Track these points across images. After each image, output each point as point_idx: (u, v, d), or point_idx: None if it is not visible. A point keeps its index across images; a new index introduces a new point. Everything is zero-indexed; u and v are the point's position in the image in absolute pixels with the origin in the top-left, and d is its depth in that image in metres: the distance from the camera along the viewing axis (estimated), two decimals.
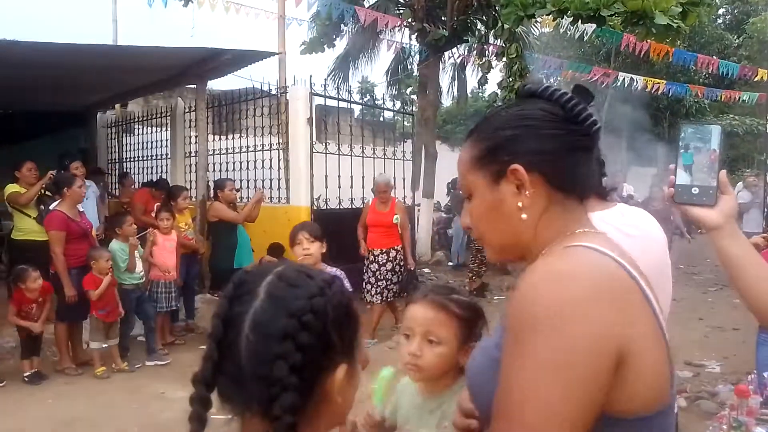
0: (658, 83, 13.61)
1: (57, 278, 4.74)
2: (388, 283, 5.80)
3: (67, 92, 8.26)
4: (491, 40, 9.76)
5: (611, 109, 19.71)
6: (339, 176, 6.91)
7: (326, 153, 6.80)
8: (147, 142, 9.13)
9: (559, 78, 14.19)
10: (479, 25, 10.65)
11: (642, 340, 0.76)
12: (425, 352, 1.40)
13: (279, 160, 6.90)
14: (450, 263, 9.77)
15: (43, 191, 5.64)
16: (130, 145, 9.76)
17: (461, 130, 18.51)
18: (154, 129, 9.01)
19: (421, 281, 8.42)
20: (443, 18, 10.94)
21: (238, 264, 5.80)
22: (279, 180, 6.94)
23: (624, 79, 13.05)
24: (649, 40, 9.15)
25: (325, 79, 12.55)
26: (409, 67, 16.17)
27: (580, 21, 7.19)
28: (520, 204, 0.88)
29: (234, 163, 7.42)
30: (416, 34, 10.68)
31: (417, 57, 12.99)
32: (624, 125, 20.18)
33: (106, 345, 4.84)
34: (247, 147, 7.19)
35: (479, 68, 11.78)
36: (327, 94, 7.05)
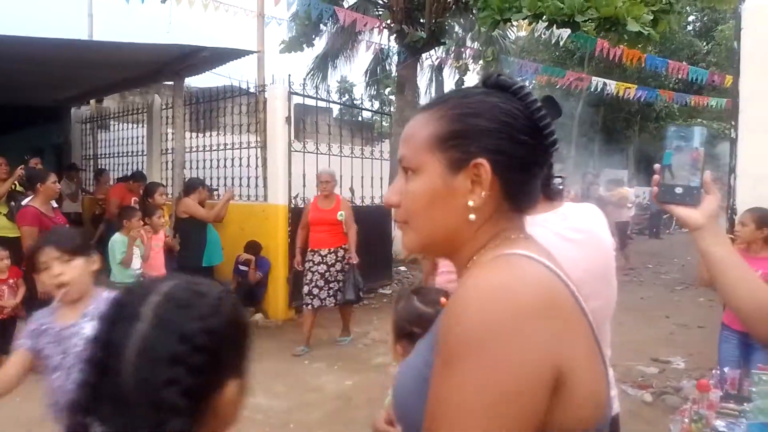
0: (630, 88, 13.91)
1: (29, 275, 4.67)
2: (340, 285, 5.43)
3: (41, 87, 8.12)
4: (468, 43, 9.88)
5: (584, 113, 20.08)
6: (317, 175, 6.94)
7: (304, 152, 6.82)
8: (123, 139, 9.02)
9: (533, 81, 14.40)
10: (457, 28, 10.77)
11: (579, 357, 0.71)
12: None
13: (257, 159, 6.90)
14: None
15: (14, 187, 5.56)
16: (106, 141, 9.63)
17: None
18: (130, 125, 8.91)
19: (398, 280, 8.50)
20: (422, 20, 11.04)
21: (208, 263, 5.75)
22: (257, 178, 6.94)
23: (597, 83, 13.31)
24: (621, 46, 9.36)
25: (304, 79, 12.55)
26: (387, 67, 16.24)
27: (555, 26, 7.34)
28: (471, 203, 0.81)
29: (211, 160, 7.39)
30: (395, 35, 10.76)
31: (395, 58, 13.05)
32: (596, 128, 20.56)
33: None
34: (225, 145, 7.17)
35: (456, 70, 11.90)
36: (306, 93, 7.07)
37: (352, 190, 7.37)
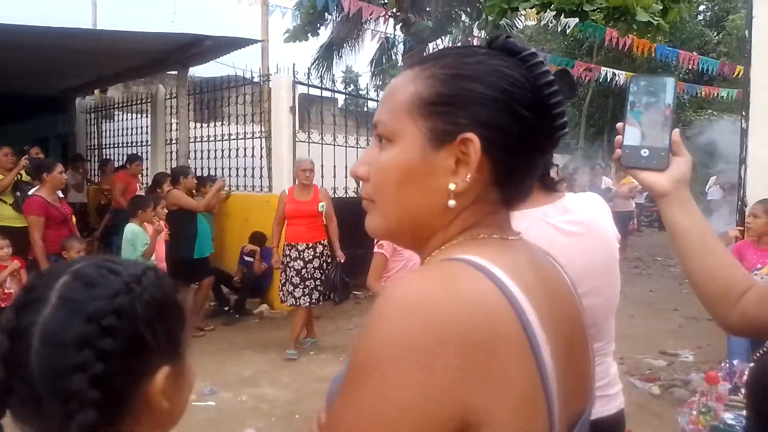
0: None
1: (35, 265, 4.68)
2: (317, 282, 4.99)
3: (45, 76, 8.12)
4: (475, 32, 9.78)
5: (593, 103, 19.92)
6: (322, 165, 6.91)
7: (309, 142, 6.78)
8: (127, 129, 9.02)
9: None
10: (463, 17, 10.66)
11: (503, 403, 0.57)
12: None
13: (261, 149, 6.87)
14: None
15: (19, 177, 5.56)
16: (110, 131, 9.62)
17: None
18: (134, 115, 8.90)
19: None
20: (428, 9, 10.94)
21: (199, 254, 5.72)
22: (261, 168, 6.91)
23: (606, 73, 13.18)
24: (631, 36, 9.25)
25: (309, 68, 12.49)
26: (393, 57, 16.15)
27: (563, 15, 7.25)
28: (452, 186, 0.66)
29: (215, 151, 7.37)
30: (400, 24, 10.67)
31: (401, 47, 12.97)
32: (605, 119, 20.42)
33: None
34: (229, 135, 7.14)
35: None
36: (310, 83, 7.02)
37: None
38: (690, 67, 13.72)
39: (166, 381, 0.68)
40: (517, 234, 0.73)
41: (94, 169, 9.54)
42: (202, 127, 7.59)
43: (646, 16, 7.24)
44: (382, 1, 11.98)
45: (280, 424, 3.70)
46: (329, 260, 5.07)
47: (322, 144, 6.92)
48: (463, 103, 0.66)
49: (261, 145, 6.88)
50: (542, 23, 8.01)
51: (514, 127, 0.66)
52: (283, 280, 5.05)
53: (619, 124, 0.99)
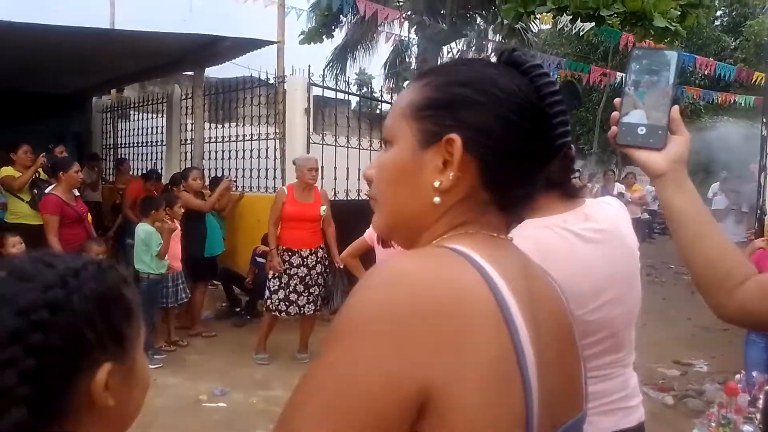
0: None
1: None
2: (321, 289, 4.80)
3: (62, 75, 8.21)
4: (490, 35, 9.76)
5: (607, 109, 19.76)
6: (335, 167, 6.92)
7: (323, 144, 6.79)
8: (143, 128, 9.10)
9: (556, 76, 14.20)
10: (479, 20, 10.65)
11: (469, 377, 0.58)
12: None
13: (275, 150, 6.89)
14: None
15: (37, 175, 5.62)
16: (126, 130, 9.71)
17: None
18: (150, 115, 8.97)
19: None
20: (443, 12, 10.94)
21: (209, 253, 5.77)
22: (275, 170, 6.93)
23: (622, 78, 13.08)
24: (647, 41, 9.18)
25: (324, 70, 12.53)
26: (407, 59, 16.16)
27: (579, 19, 7.21)
28: (437, 184, 0.70)
29: (230, 151, 7.40)
30: (415, 27, 10.67)
31: (415, 50, 12.97)
32: None
33: None
34: (244, 136, 7.18)
35: None
36: (325, 85, 7.03)
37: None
38: (706, 73, 13.59)
39: (111, 378, 0.66)
40: (509, 237, 0.75)
41: (110, 168, 9.63)
42: (216, 128, 7.63)
43: (664, 21, 7.18)
44: (398, 3, 12.00)
45: None
46: (326, 266, 4.85)
47: (336, 146, 6.93)
48: (451, 106, 0.70)
49: (275, 147, 6.90)
50: (558, 27, 7.96)
51: (503, 131, 0.69)
52: (283, 290, 4.68)
53: (617, 100, 0.96)
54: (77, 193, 5.13)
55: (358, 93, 7.70)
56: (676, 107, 0.94)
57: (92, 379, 0.65)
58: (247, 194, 7.09)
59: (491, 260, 0.65)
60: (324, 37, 11.79)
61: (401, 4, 11.83)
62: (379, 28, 13.14)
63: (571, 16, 7.17)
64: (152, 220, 4.88)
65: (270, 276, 4.74)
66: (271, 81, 6.97)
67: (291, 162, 6.70)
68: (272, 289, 4.72)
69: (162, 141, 8.75)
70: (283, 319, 4.86)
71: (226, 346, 5.23)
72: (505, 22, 7.83)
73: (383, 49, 15.82)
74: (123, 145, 9.74)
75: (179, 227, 5.17)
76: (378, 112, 8.01)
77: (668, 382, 4.63)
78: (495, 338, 0.60)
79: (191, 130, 7.76)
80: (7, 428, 0.59)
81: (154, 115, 8.91)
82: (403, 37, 13.51)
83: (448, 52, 13.27)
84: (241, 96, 7.36)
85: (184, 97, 8.28)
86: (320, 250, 4.84)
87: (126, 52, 6.73)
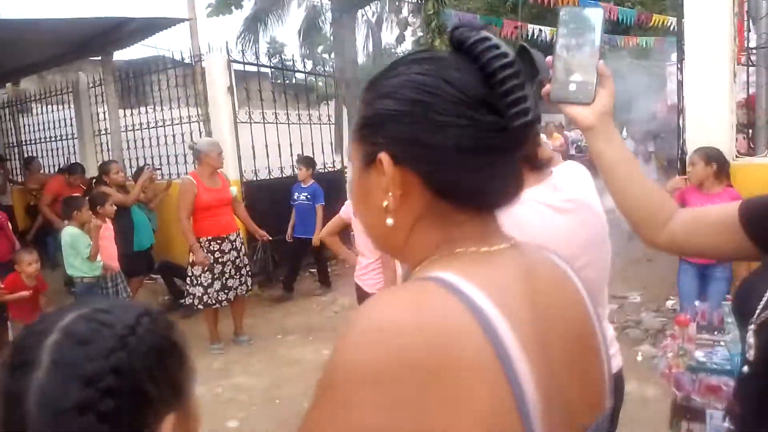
0: None
1: None
2: (248, 268, 4.93)
3: None
4: None
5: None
6: (266, 145, 6.73)
7: (251, 122, 6.57)
8: (48, 122, 8.42)
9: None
10: None
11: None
12: None
13: (200, 133, 6.60)
14: None
15: None
16: (29, 126, 8.96)
17: None
18: (54, 107, 8.32)
19: None
20: None
21: (139, 247, 5.60)
22: None
23: (533, 30, 13.42)
24: None
25: (235, 43, 12.03)
26: (320, 25, 15.79)
27: None
28: (385, 204, 0.66)
29: (150, 138, 7.01)
30: None
31: (329, 15, 12.69)
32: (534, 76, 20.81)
33: None
34: (164, 121, 6.82)
35: (396, 26, 11.70)
36: (246, 60, 6.76)
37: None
38: (610, 18, 14.17)
39: (174, 428, 0.67)
40: (507, 241, 0.70)
41: (17, 168, 8.93)
42: (132, 115, 7.19)
43: None
44: None
45: (263, 412, 3.69)
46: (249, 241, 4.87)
47: (264, 123, 6.72)
48: (379, 122, 0.66)
49: (199, 129, 6.62)
50: None
51: (434, 136, 0.63)
52: (209, 281, 4.60)
53: (548, 58, 0.98)
54: None
55: (280, 66, 7.45)
56: (601, 62, 0.98)
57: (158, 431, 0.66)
58: (175, 181, 6.79)
59: (485, 285, 0.60)
60: (233, 7, 11.29)
61: None
62: None
63: None
64: (77, 221, 4.56)
65: (200, 271, 4.61)
66: (187, 60, 6.62)
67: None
68: (206, 284, 4.63)
69: (72, 134, 8.16)
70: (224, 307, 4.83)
71: None
72: None
73: (295, 15, 15.39)
74: (29, 142, 9.01)
75: (110, 225, 4.89)
76: (293, 81, 7.80)
77: (609, 316, 4.96)
78: (490, 391, 0.56)
79: (105, 119, 7.28)
80: None
81: (60, 107, 8.27)
82: (315, 2, 13.19)
83: (362, 16, 13.10)
84: (155, 79, 6.95)
85: (92, 85, 7.73)
86: (240, 231, 4.92)
87: (19, 42, 6.15)
